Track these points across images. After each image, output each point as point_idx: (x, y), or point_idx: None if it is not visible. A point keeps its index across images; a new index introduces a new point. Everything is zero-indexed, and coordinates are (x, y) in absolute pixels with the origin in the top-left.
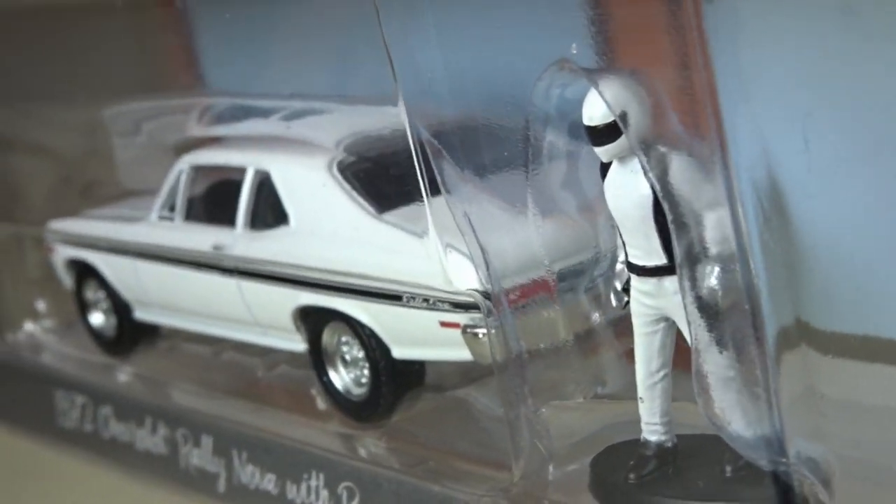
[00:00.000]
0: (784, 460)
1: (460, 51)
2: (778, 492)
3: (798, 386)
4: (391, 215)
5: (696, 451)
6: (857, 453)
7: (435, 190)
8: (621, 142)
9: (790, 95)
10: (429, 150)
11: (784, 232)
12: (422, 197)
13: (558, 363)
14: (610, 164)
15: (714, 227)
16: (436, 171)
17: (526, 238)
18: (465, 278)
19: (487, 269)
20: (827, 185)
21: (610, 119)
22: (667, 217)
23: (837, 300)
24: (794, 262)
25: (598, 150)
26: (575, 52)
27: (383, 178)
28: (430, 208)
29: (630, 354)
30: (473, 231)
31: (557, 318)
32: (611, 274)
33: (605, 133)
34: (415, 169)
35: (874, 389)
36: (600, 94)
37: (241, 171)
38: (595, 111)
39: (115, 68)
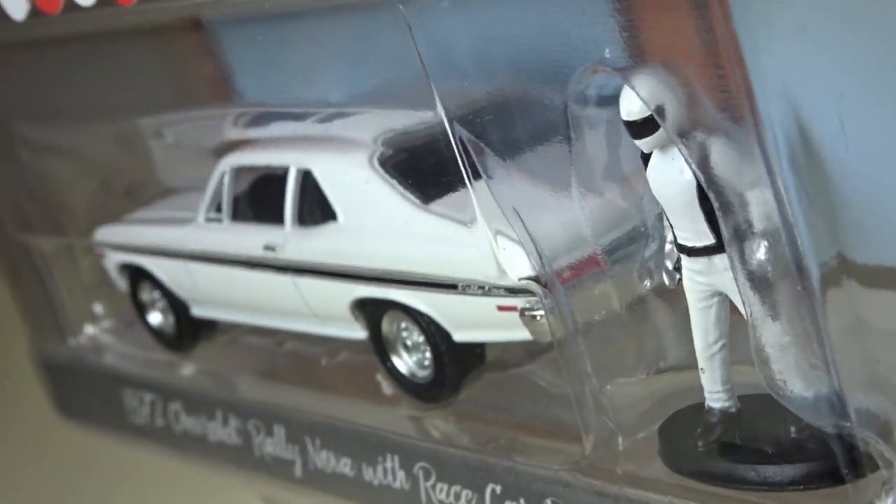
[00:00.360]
0: (847, 424)
1: (489, 30)
2: (843, 452)
3: (846, 319)
4: (437, 205)
5: (760, 413)
6: None
7: (477, 176)
8: (660, 133)
9: (821, 79)
10: (468, 145)
11: (826, 208)
12: (463, 184)
13: (616, 338)
14: (651, 152)
15: (758, 205)
16: (478, 166)
17: (572, 217)
18: (518, 265)
19: (540, 257)
20: (865, 162)
21: (647, 113)
22: (712, 202)
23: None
24: (838, 236)
25: (638, 142)
26: (608, 55)
27: (424, 169)
28: (476, 196)
29: (686, 325)
30: (523, 223)
31: (610, 292)
32: (661, 254)
33: (644, 126)
34: (453, 157)
35: None
36: (635, 91)
37: (284, 170)
38: (632, 106)
39: (149, 82)
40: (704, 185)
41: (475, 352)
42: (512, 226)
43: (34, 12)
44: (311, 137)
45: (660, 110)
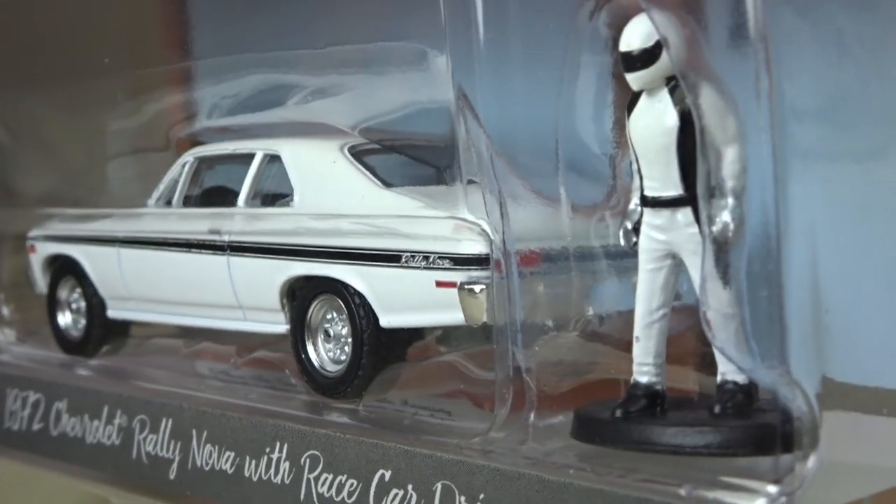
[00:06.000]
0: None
1: None
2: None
3: None
4: (398, 189)
5: (688, 403)
6: None
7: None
8: (653, 70)
9: None
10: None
11: None
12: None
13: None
14: (637, 98)
15: (732, 163)
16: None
17: (555, 214)
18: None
19: (502, 217)
20: None
21: (647, 45)
22: (695, 139)
23: None
24: None
25: (630, 76)
26: None
27: (392, 165)
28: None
29: None
30: (495, 175)
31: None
32: (622, 213)
33: (641, 59)
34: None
35: None
36: (650, 16)
37: (249, 156)
38: (633, 38)
39: None
40: (694, 117)
41: (396, 348)
42: (483, 174)
43: None
44: (285, 124)
45: (665, 41)
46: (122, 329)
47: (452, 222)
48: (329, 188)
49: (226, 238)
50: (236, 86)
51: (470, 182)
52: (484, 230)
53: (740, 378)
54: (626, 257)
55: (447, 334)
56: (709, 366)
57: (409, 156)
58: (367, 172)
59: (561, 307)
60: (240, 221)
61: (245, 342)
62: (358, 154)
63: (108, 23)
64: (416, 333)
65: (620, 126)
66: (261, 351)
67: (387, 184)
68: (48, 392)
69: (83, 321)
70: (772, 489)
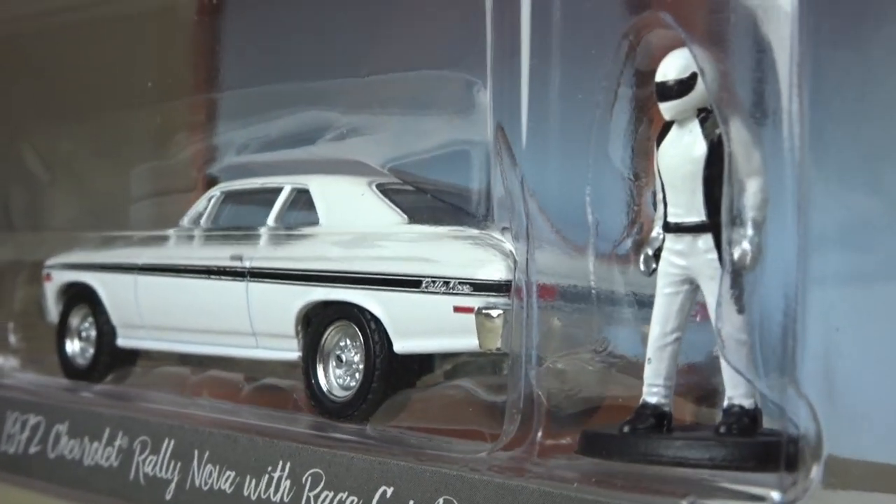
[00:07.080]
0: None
1: None
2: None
3: None
4: (421, 224)
5: (693, 427)
6: None
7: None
8: (686, 100)
9: None
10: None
11: None
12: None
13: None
14: (667, 129)
15: (755, 192)
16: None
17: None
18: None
19: (528, 240)
20: None
21: (682, 76)
22: (721, 169)
23: None
24: None
25: (664, 106)
26: None
27: (418, 204)
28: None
29: None
30: (524, 196)
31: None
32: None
33: (675, 89)
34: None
35: None
36: (690, 49)
37: (277, 190)
38: (670, 69)
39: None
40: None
41: (406, 375)
42: (512, 199)
43: None
44: (314, 162)
45: (701, 72)
46: (130, 358)
47: (475, 248)
48: (354, 218)
49: (247, 264)
50: (266, 125)
51: (504, 230)
52: (509, 252)
53: (747, 402)
54: (639, 307)
55: (456, 369)
56: None
57: (439, 198)
58: (393, 206)
59: (573, 339)
60: (262, 248)
61: (254, 370)
62: (386, 192)
63: (140, 57)
64: (426, 365)
65: (648, 156)
66: (269, 378)
67: (412, 218)
68: (49, 415)
69: (91, 350)
70: (776, 495)
